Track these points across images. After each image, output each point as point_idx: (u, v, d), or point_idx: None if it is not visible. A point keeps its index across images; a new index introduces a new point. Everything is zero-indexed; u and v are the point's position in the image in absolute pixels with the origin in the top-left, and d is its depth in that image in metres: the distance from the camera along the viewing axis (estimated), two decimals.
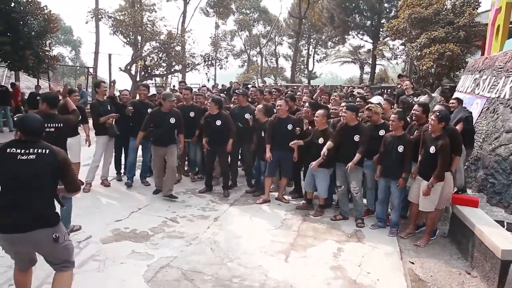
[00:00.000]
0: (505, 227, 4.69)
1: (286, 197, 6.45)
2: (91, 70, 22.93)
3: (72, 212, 4.84)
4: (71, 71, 35.37)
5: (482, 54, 15.25)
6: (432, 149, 4.62)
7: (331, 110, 6.19)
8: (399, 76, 9.91)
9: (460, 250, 4.73)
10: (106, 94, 6.74)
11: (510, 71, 6.88)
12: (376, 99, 6.49)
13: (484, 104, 7.53)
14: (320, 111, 5.66)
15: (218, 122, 6.35)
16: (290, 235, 5.05)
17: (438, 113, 4.64)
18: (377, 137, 5.38)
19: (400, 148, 5.01)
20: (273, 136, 6.12)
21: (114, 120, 6.58)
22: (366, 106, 5.69)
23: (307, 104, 6.31)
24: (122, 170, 7.21)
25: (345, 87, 20.44)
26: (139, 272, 3.88)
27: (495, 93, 7.19)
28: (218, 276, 3.91)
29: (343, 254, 4.56)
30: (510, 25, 9.04)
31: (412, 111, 5.44)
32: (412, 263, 4.45)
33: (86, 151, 6.56)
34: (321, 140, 5.54)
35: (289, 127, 6.09)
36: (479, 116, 7.52)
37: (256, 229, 5.21)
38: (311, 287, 3.79)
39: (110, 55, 13.23)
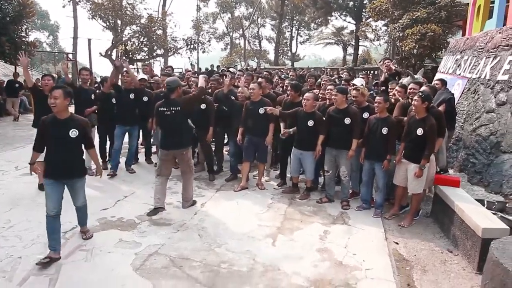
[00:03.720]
0: (485, 206, 4.84)
1: (265, 182, 6.41)
2: (70, 55, 22.36)
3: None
4: (49, 57, 34.44)
5: (463, 34, 15.38)
6: (419, 131, 4.69)
7: (319, 94, 6.17)
8: (385, 59, 9.94)
9: (443, 229, 4.85)
10: (88, 81, 6.60)
11: (491, 52, 6.96)
12: (358, 81, 6.52)
13: (466, 85, 7.63)
14: (309, 94, 5.65)
15: (203, 106, 6.31)
16: (277, 219, 5.10)
17: (420, 94, 4.70)
18: (362, 120, 5.42)
19: (384, 130, 5.06)
20: (246, 119, 6.08)
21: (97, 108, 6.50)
22: (354, 87, 5.71)
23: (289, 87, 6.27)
24: (107, 158, 7.16)
25: (328, 69, 20.41)
26: (127, 260, 3.88)
27: (476, 74, 7.29)
28: (206, 262, 3.94)
29: (330, 237, 4.63)
30: (491, 5, 9.12)
31: (409, 90, 5.52)
32: (396, 243, 4.56)
33: None
34: (310, 123, 5.55)
35: (261, 111, 5.92)
36: (460, 97, 7.64)
37: (243, 214, 5.24)
38: (298, 270, 3.84)
39: (89, 40, 12.95)
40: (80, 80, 6.57)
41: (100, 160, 6.79)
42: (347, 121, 5.34)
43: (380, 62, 9.50)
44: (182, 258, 3.99)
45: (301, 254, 4.19)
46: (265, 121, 5.97)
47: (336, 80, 7.80)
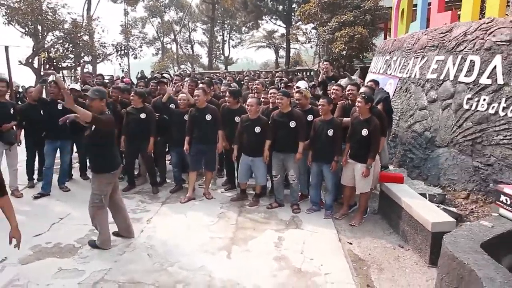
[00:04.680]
0: (427, 199, 5.05)
1: (211, 192, 6.21)
2: None
3: None
4: None
5: (385, 36, 16.34)
6: (364, 132, 4.78)
7: (261, 99, 6.09)
8: (325, 61, 10.14)
9: (391, 225, 4.98)
10: (5, 93, 5.94)
11: (418, 52, 7.35)
12: (302, 83, 6.56)
13: (397, 84, 7.99)
14: (252, 100, 5.54)
15: (143, 115, 5.98)
16: (229, 229, 4.93)
17: (363, 95, 4.79)
18: (306, 122, 5.42)
19: (330, 132, 5.10)
20: (192, 128, 5.86)
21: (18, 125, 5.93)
22: (297, 90, 5.70)
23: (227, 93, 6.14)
24: (36, 176, 6.53)
25: (263, 72, 20.57)
26: None
27: (406, 73, 7.66)
28: (159, 284, 3.67)
29: (284, 243, 4.56)
30: (414, 9, 9.71)
31: (347, 91, 5.58)
32: (350, 243, 4.60)
33: None
34: (257, 129, 5.44)
35: (208, 117, 5.78)
36: (393, 95, 7.98)
37: (193, 226, 5.01)
38: (258, 283, 3.71)
39: (7, 48, 11.77)
40: None
41: (22, 186, 6.23)
42: (292, 124, 5.31)
43: (319, 63, 9.73)
44: (132, 283, 3.68)
45: (258, 264, 4.06)
46: (213, 128, 5.79)
47: (278, 83, 7.79)
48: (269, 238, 4.70)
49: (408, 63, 7.72)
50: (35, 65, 18.61)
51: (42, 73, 13.14)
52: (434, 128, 6.25)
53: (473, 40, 5.85)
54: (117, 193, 4.57)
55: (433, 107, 6.42)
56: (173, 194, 6.20)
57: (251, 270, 3.95)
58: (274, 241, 4.60)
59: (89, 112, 3.88)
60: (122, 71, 19.60)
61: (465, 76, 5.79)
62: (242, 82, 10.48)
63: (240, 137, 5.64)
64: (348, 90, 5.63)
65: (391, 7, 12.07)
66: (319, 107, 5.17)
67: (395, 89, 7.99)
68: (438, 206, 4.74)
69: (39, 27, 18.85)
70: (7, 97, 6.19)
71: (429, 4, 8.45)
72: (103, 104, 4.17)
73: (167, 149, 6.95)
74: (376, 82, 6.69)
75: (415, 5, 9.40)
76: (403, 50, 8.22)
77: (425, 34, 7.33)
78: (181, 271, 3.90)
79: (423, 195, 5.10)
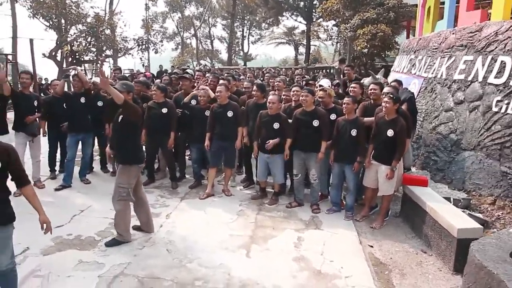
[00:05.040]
0: (452, 203, 4.91)
1: (230, 189, 6.15)
2: (10, 57, 20.82)
3: None
4: None
5: (408, 34, 16.02)
6: (390, 133, 4.66)
7: (283, 96, 6.02)
8: (341, 60, 10.03)
9: (414, 229, 4.86)
10: (29, 85, 6.03)
11: (445, 52, 7.16)
12: (325, 82, 6.46)
13: (422, 84, 7.82)
14: (274, 97, 5.47)
15: (165, 110, 5.97)
16: (248, 227, 4.89)
17: (391, 95, 4.67)
18: (329, 121, 5.33)
19: (353, 132, 5.00)
20: (214, 124, 5.84)
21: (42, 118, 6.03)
22: (320, 88, 5.61)
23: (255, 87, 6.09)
24: (57, 168, 6.62)
25: (283, 69, 20.44)
26: (89, 285, 3.51)
27: (432, 73, 7.48)
28: (178, 280, 3.65)
29: (304, 244, 4.49)
30: (441, 6, 9.47)
31: (370, 90, 5.46)
32: (371, 246, 4.51)
33: None
34: (276, 125, 5.38)
35: (229, 114, 5.75)
36: (417, 96, 7.80)
37: (212, 223, 4.98)
38: (277, 283, 3.66)
39: (31, 40, 11.98)
40: (20, 85, 5.94)
41: (44, 178, 6.32)
42: (316, 123, 5.23)
43: (339, 61, 9.63)
44: (151, 278, 3.67)
45: (277, 264, 4.01)
46: (234, 125, 5.76)
47: (300, 81, 7.71)
48: (288, 237, 4.64)
49: (434, 63, 7.54)
50: (58, 58, 18.90)
51: (64, 68, 13.36)
52: (460, 130, 6.08)
53: (504, 40, 5.65)
54: (141, 187, 4.60)
55: (459, 109, 6.24)
56: (192, 190, 6.19)
57: (270, 269, 3.90)
58: (293, 241, 4.54)
59: (121, 95, 3.90)
60: (143, 65, 19.78)
61: (495, 77, 5.60)
62: (261, 79, 10.39)
63: (259, 132, 5.59)
64: (371, 89, 5.51)
65: (416, 5, 11.84)
66: (344, 105, 5.06)
67: (420, 89, 7.81)
68: (463, 211, 4.61)
69: (63, 21, 19.12)
70: (31, 89, 6.28)
71: (457, 2, 8.23)
72: (130, 97, 4.20)
73: (187, 145, 6.94)
74: (399, 82, 6.54)
75: (443, 3, 9.16)
76: (429, 49, 8.03)
77: (453, 33, 7.13)
78: (200, 268, 3.88)
79: (447, 199, 4.97)
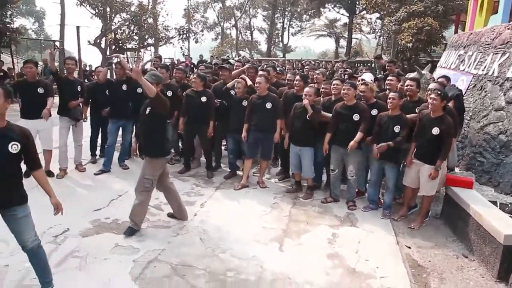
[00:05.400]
0: (498, 207, 4.65)
1: (265, 181, 6.13)
2: (57, 43, 21.66)
3: (45, 201, 4.42)
4: (35, 44, 33.38)
5: (456, 29, 15.26)
6: (435, 131, 4.44)
7: (321, 89, 5.88)
8: (377, 57, 9.71)
9: (455, 233, 4.64)
10: (74, 71, 6.21)
11: (499, 48, 6.75)
12: (368, 76, 6.26)
13: (471, 81, 7.43)
14: (310, 89, 5.36)
15: (204, 99, 5.99)
16: (282, 221, 4.83)
17: (438, 91, 4.44)
18: (370, 117, 5.14)
19: (397, 129, 4.79)
20: (252, 115, 5.79)
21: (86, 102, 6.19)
22: (362, 82, 5.43)
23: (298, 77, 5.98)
24: (98, 152, 6.82)
25: (323, 62, 20.09)
26: (124, 269, 3.57)
27: (483, 70, 7.09)
28: (211, 270, 3.66)
29: (339, 240, 4.39)
30: (495, 0, 8.93)
31: (406, 87, 5.21)
32: (409, 247, 4.34)
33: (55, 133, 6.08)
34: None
35: (268, 105, 5.69)
36: (465, 93, 7.43)
37: (246, 215, 4.96)
38: (310, 279, 3.59)
39: (78, 28, 12.37)
40: (65, 70, 6.13)
41: (85, 161, 6.49)
42: (356, 117, 5.07)
43: (374, 59, 9.36)
44: (184, 266, 3.70)
45: (311, 260, 3.94)
46: (272, 117, 5.70)
47: (342, 74, 7.53)
48: (323, 233, 4.55)
49: (486, 59, 7.14)
50: (102, 45, 19.46)
51: (107, 56, 13.77)
52: (511, 131, 5.73)
53: None
54: (167, 177, 4.61)
55: (511, 109, 5.88)
56: (227, 180, 6.21)
57: (303, 265, 3.83)
58: (328, 237, 4.44)
59: (154, 88, 3.90)
60: (183, 54, 20.00)
61: None
62: (301, 71, 10.23)
63: (292, 124, 5.51)
64: (407, 85, 5.22)
65: None
66: (389, 100, 4.85)
67: (468, 87, 7.43)
68: (510, 217, 4.34)
69: (108, 9, 19.63)
70: (75, 75, 6.47)
71: None
72: (159, 89, 4.12)
73: (223, 135, 6.95)
74: (447, 79, 6.23)
75: None
76: (480, 45, 7.62)
77: (508, 29, 6.72)
78: (233, 259, 3.86)
79: (494, 203, 4.71)
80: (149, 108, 4.14)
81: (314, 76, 6.73)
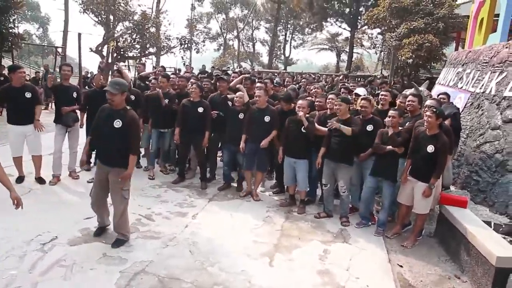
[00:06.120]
0: (492, 228, 4.60)
1: (259, 193, 6.10)
2: (59, 49, 21.79)
3: (36, 208, 4.39)
4: (38, 49, 33.60)
5: (457, 47, 15.33)
6: (430, 149, 4.40)
7: (315, 103, 5.88)
8: (370, 81, 9.76)
9: (448, 252, 4.59)
10: (69, 77, 6.18)
11: (497, 66, 6.76)
12: (361, 90, 6.25)
13: (468, 99, 7.43)
14: (303, 101, 5.41)
15: (200, 109, 5.98)
16: (273, 235, 4.78)
17: (434, 109, 4.42)
18: (365, 133, 5.12)
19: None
20: (250, 126, 5.79)
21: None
22: (363, 96, 5.41)
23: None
24: (93, 160, 6.77)
25: (323, 75, 20.15)
26: (111, 279, 3.52)
27: (480, 88, 7.09)
28: (198, 283, 3.60)
29: (330, 257, 4.33)
30: (495, 18, 8.97)
31: (407, 102, 5.21)
32: (401, 266, 4.28)
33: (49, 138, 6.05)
34: (304, 130, 5.35)
35: (266, 119, 5.71)
36: (462, 111, 7.42)
37: (237, 227, 4.91)
38: None
39: (80, 35, 12.41)
40: (61, 76, 6.10)
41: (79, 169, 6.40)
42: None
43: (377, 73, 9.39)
44: (172, 278, 3.64)
45: (300, 276, 3.88)
46: (269, 130, 5.71)
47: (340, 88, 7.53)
48: (314, 249, 4.49)
49: (483, 78, 7.14)
50: (104, 53, 19.54)
51: (99, 64, 13.79)
52: (508, 151, 5.70)
53: None
54: None
55: (508, 128, 5.86)
56: (220, 191, 6.16)
57: (292, 281, 3.78)
58: (319, 253, 4.39)
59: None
60: (184, 64, 20.09)
61: None
62: (300, 84, 10.25)
63: (286, 136, 5.52)
64: (408, 101, 5.23)
65: (468, 16, 11.30)
66: (389, 119, 4.82)
67: (465, 104, 7.42)
68: (504, 238, 4.30)
69: (111, 17, 19.76)
70: (75, 82, 6.46)
71: None
72: (123, 97, 4.06)
73: (219, 146, 6.92)
74: (448, 96, 6.19)
75: (497, 15, 8.67)
76: (479, 63, 7.63)
77: (506, 47, 6.74)
78: (221, 272, 3.81)
79: (488, 223, 4.66)
80: (119, 120, 4.01)
81: (313, 90, 6.74)
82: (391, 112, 4.83)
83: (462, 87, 8.04)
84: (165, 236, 4.49)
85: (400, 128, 4.87)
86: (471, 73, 7.81)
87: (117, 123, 4.00)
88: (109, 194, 4.22)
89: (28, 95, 5.54)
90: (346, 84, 9.55)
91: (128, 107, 4.16)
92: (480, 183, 6.01)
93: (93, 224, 4.60)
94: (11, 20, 13.06)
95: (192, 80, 7.29)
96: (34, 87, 5.95)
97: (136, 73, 6.97)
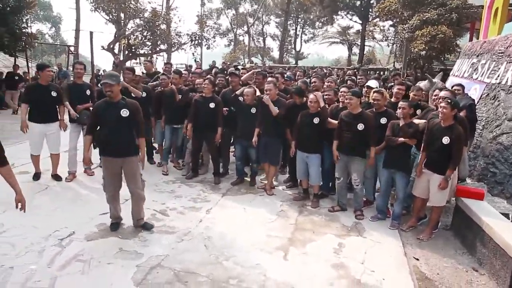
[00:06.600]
0: (510, 220, 4.53)
1: (272, 187, 6.11)
2: (72, 48, 22.02)
3: (53, 205, 4.45)
4: (51, 49, 34.02)
5: (471, 37, 15.05)
6: (445, 140, 4.35)
7: (325, 96, 5.84)
8: (395, 75, 9.59)
9: (465, 245, 4.53)
10: (83, 75, 6.23)
11: None
12: (374, 83, 6.19)
13: (484, 90, 7.30)
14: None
15: (212, 105, 6.00)
16: (287, 229, 4.78)
17: (449, 100, 4.35)
18: (379, 126, 5.08)
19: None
20: (263, 120, 5.80)
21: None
22: (376, 89, 5.37)
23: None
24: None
25: (335, 69, 19.98)
26: (127, 274, 3.57)
27: (496, 79, 6.96)
28: (213, 277, 3.62)
29: (345, 250, 4.32)
30: (510, 8, 8.79)
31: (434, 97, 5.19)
32: (417, 259, 4.25)
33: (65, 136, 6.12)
34: (316, 120, 5.31)
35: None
36: (477, 102, 7.30)
37: (251, 222, 4.92)
38: None
39: (91, 33, 12.51)
40: (74, 74, 6.19)
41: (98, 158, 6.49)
42: (360, 127, 4.98)
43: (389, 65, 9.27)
44: (187, 272, 3.67)
45: (315, 270, 3.88)
46: (277, 122, 5.70)
47: (347, 81, 7.50)
48: (328, 243, 4.48)
49: (499, 68, 7.01)
50: (116, 50, 19.63)
51: (121, 59, 13.96)
52: None
53: None
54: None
55: None
56: (234, 186, 6.18)
57: (307, 274, 3.78)
58: (333, 247, 4.38)
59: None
60: (195, 60, 20.08)
61: None
62: (311, 78, 10.18)
63: (299, 131, 5.50)
64: (435, 95, 5.21)
65: (482, 6, 11.08)
66: (399, 110, 4.79)
67: (481, 96, 7.30)
68: None
69: (122, 15, 19.84)
70: (88, 79, 6.53)
71: None
72: (119, 88, 4.21)
73: (231, 141, 6.93)
74: (463, 87, 6.09)
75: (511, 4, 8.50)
76: (494, 53, 7.48)
77: None
78: (235, 266, 3.83)
79: (506, 215, 4.58)
80: (125, 110, 4.16)
81: (326, 84, 6.72)
82: (401, 104, 4.79)
83: (477, 78, 7.90)
84: (179, 230, 4.52)
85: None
86: (486, 63, 7.67)
87: (124, 112, 4.15)
88: (127, 185, 4.38)
89: (54, 94, 5.68)
90: (353, 76, 9.51)
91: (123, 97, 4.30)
92: (497, 175, 5.91)
93: (108, 219, 4.65)
94: (24, 20, 13.23)
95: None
96: (58, 87, 6.07)
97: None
